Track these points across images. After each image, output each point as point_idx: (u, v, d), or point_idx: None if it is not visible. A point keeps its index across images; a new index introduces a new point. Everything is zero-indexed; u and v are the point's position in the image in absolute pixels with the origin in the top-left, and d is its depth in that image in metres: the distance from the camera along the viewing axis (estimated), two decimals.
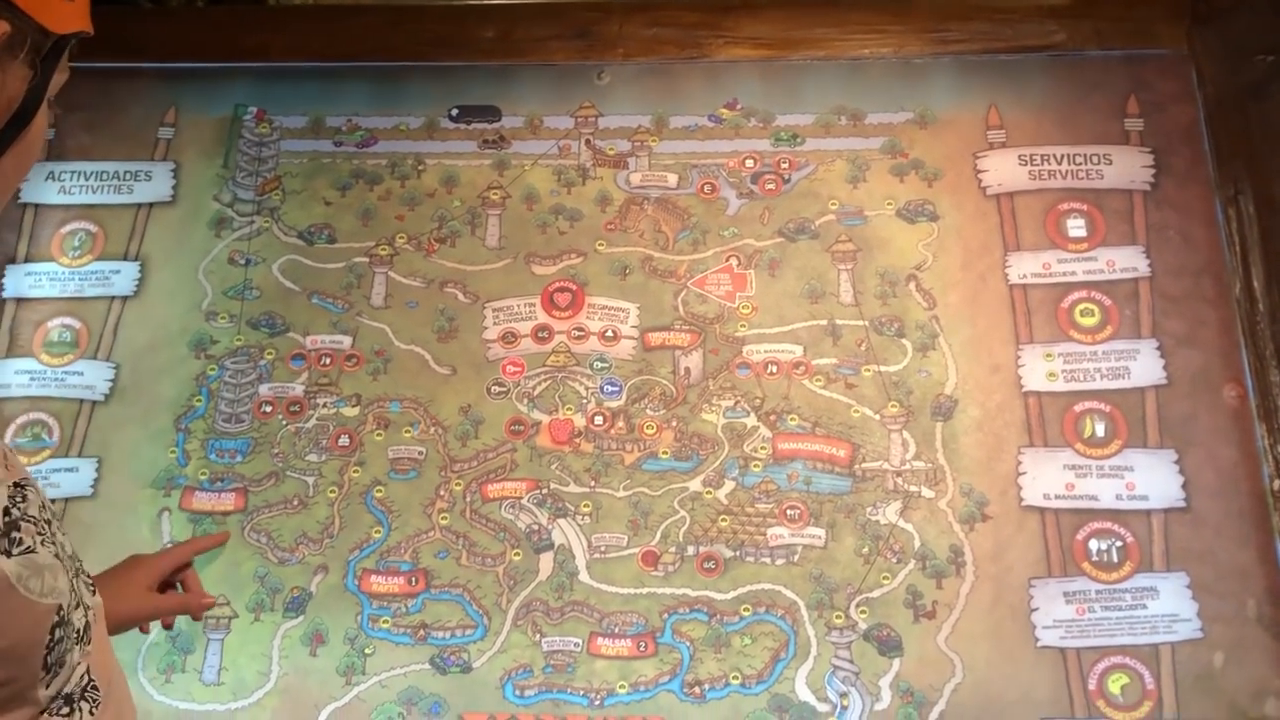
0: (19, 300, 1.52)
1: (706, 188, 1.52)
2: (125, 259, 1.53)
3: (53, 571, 0.76)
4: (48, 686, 0.77)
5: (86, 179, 1.58)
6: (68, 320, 1.50)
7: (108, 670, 0.88)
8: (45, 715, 0.78)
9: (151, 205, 1.56)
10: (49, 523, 0.80)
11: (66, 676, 0.79)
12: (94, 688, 0.84)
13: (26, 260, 1.53)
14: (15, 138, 0.71)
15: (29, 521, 0.75)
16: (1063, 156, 1.49)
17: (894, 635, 1.31)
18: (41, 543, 0.76)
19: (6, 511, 0.74)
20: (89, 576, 1.17)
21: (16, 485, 0.77)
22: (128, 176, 1.57)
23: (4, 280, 1.52)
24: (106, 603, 1.22)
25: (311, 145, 1.58)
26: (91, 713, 0.83)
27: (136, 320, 1.49)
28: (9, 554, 0.73)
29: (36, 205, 1.56)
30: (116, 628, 1.22)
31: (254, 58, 1.62)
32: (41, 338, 1.50)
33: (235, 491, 1.41)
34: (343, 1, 1.82)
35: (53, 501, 1.29)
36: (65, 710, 0.80)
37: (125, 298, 1.51)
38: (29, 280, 1.52)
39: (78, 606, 0.83)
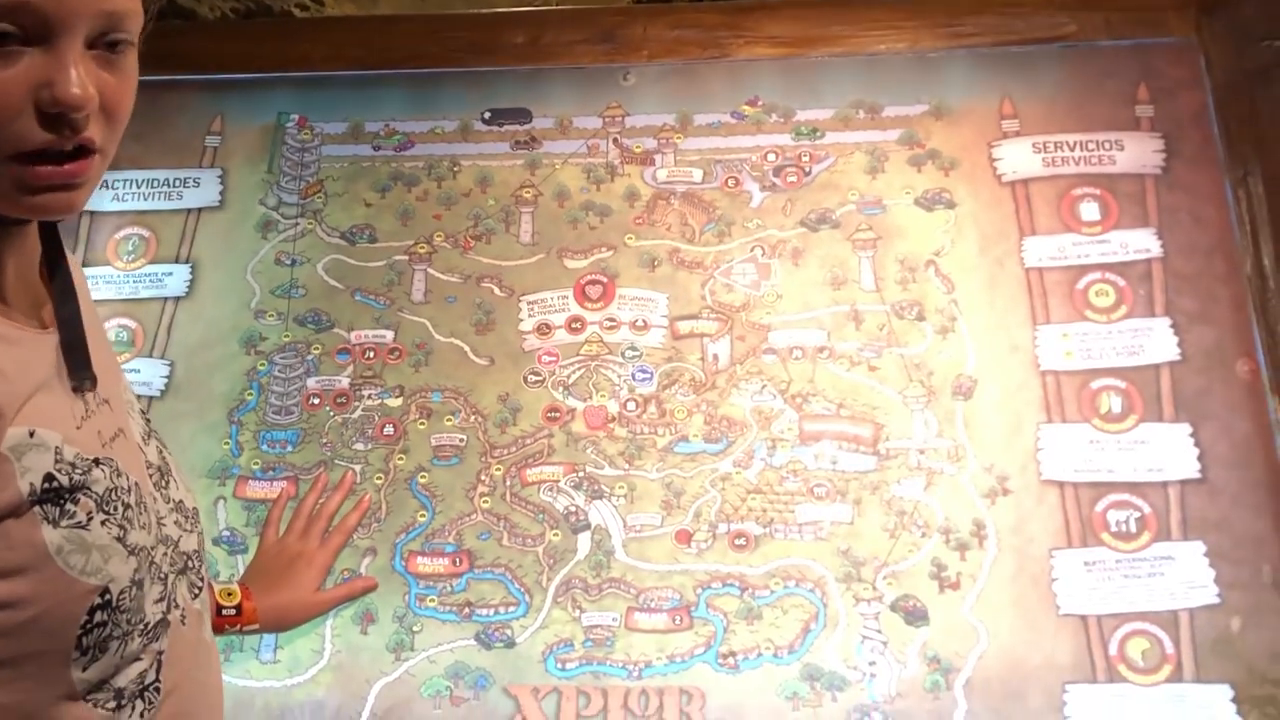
0: None
1: (730, 182, 1.58)
2: (177, 262, 1.60)
3: (104, 553, 0.75)
4: (84, 670, 0.75)
5: (138, 186, 1.65)
6: (124, 321, 1.58)
7: (183, 679, 0.86)
8: (85, 702, 0.76)
9: (201, 210, 1.63)
10: (129, 507, 0.78)
11: (114, 666, 0.77)
12: (155, 690, 0.82)
13: (84, 265, 1.61)
14: None
15: (87, 495, 0.74)
16: (1075, 144, 1.54)
17: (920, 606, 1.36)
18: (103, 523, 0.75)
19: (51, 477, 0.72)
20: (225, 584, 1.23)
21: (96, 461, 0.76)
22: (177, 183, 1.65)
23: None
24: (285, 599, 1.29)
25: (351, 150, 1.65)
26: (144, 714, 0.80)
27: (189, 320, 1.57)
28: (55, 523, 0.72)
29: (92, 213, 1.64)
30: (299, 622, 1.33)
31: (295, 67, 1.69)
32: None
33: (286, 480, 1.47)
34: (379, 12, 1.90)
35: None
36: (111, 704, 0.78)
37: (178, 299, 1.58)
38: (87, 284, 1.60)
39: (161, 600, 0.81)
